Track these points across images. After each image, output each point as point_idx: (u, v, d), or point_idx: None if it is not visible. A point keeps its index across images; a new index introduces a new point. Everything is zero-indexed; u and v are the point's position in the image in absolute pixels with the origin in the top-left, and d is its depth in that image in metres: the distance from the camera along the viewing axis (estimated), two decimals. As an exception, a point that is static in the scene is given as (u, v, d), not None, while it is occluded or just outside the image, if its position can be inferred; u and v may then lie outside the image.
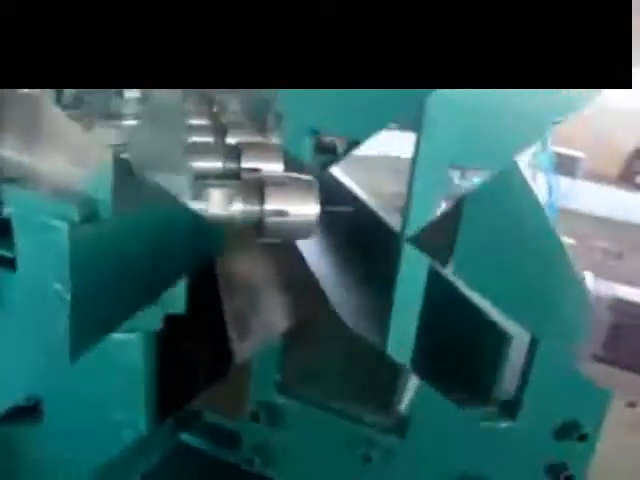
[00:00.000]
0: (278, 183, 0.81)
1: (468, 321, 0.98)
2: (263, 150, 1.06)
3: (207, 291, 1.49)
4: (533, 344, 0.88)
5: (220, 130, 1.24)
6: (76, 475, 0.75)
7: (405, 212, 0.75)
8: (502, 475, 0.94)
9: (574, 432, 0.93)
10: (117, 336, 0.68)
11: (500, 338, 0.91)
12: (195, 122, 1.26)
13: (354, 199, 1.57)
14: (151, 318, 0.69)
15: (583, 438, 0.93)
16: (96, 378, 0.70)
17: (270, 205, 0.79)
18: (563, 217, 5.01)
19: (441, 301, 1.07)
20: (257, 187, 0.80)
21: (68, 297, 0.68)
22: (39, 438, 0.71)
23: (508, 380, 0.92)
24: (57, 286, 0.65)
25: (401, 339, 0.82)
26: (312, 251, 1.49)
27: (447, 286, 1.08)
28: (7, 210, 0.69)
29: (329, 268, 1.39)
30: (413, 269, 0.79)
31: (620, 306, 3.51)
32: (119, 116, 1.24)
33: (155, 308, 0.69)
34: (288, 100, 0.75)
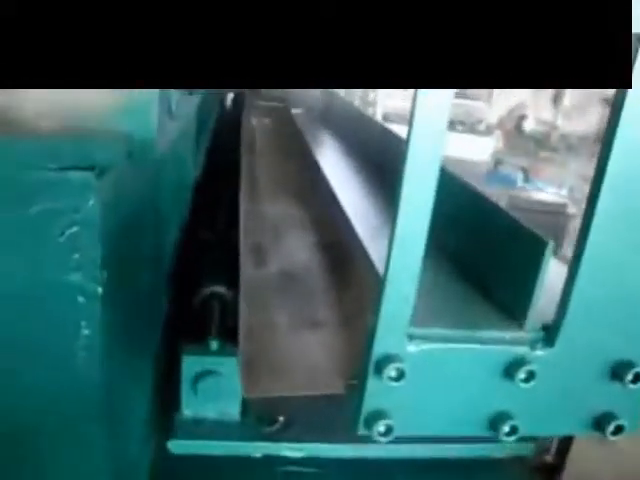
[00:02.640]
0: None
1: (498, 229, 0.84)
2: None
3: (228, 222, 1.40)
4: (577, 255, 0.72)
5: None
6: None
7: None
8: (533, 416, 0.79)
9: (627, 371, 0.77)
10: (68, 174, 0.58)
11: (536, 245, 0.76)
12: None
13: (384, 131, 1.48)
14: (111, 151, 0.58)
15: (638, 379, 0.77)
16: (43, 226, 0.60)
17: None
18: None
19: (468, 210, 0.94)
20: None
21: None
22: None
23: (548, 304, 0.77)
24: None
25: (408, 246, 0.68)
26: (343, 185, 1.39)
27: (472, 195, 0.94)
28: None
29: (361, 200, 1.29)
30: (420, 168, 0.64)
31: None
32: None
33: (115, 139, 0.59)
34: None
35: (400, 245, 0.67)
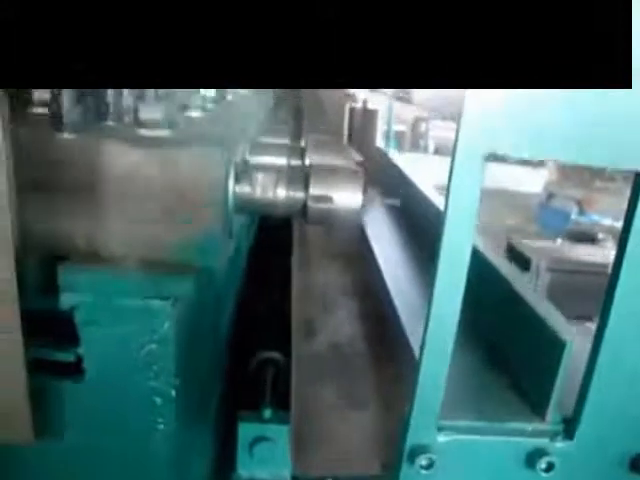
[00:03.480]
0: (323, 170, 0.81)
1: (524, 324, 0.93)
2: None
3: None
4: (594, 351, 0.80)
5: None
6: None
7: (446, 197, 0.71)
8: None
9: (645, 463, 0.83)
10: (149, 303, 0.71)
11: (557, 344, 0.84)
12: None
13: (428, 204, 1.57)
14: (183, 284, 0.71)
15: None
16: (130, 343, 0.73)
17: (314, 191, 0.79)
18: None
19: (496, 302, 1.02)
20: (302, 173, 0.81)
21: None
22: (80, 394, 0.76)
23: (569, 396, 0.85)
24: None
25: (441, 330, 0.76)
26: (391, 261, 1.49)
27: (504, 287, 1.03)
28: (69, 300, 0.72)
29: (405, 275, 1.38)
30: (454, 252, 0.72)
31: None
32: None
33: (187, 273, 0.72)
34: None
35: (430, 349, 0.76)
